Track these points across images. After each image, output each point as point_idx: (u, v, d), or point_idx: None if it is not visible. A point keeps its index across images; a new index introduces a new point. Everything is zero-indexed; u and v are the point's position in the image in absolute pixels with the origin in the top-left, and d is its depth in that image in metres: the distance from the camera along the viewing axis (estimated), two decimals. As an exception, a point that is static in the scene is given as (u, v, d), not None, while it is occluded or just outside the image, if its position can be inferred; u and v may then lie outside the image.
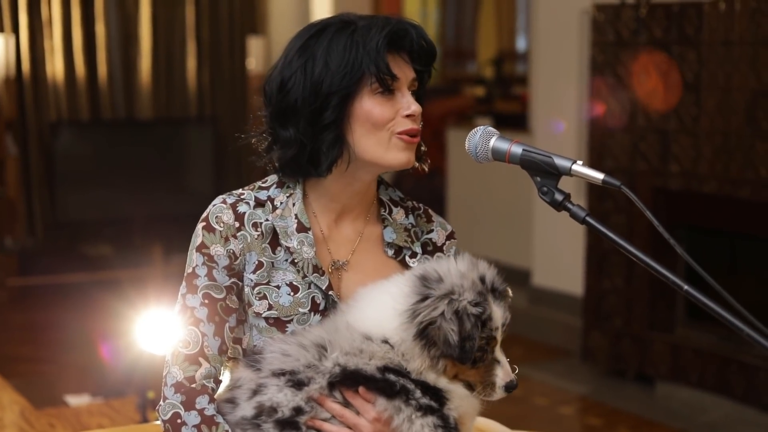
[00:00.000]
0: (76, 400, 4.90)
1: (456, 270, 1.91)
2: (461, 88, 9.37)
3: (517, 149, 1.88)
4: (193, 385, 1.96)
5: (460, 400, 1.89)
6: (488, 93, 8.86)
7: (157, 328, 4.20)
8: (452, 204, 8.19)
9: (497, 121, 7.86)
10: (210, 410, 1.95)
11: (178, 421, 1.94)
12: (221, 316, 2.01)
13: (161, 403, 1.98)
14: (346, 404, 1.90)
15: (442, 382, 1.88)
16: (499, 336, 1.91)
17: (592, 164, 5.90)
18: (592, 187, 5.80)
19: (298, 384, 1.88)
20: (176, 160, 8.48)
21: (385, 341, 1.89)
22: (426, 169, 2.18)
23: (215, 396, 1.99)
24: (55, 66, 8.28)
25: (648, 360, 5.73)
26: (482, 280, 1.90)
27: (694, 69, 5.38)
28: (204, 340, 1.98)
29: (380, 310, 1.92)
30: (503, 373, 1.92)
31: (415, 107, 2.01)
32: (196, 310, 2.00)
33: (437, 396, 1.86)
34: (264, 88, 2.06)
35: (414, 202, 2.22)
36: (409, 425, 1.85)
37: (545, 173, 1.84)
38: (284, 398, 1.88)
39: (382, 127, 2.00)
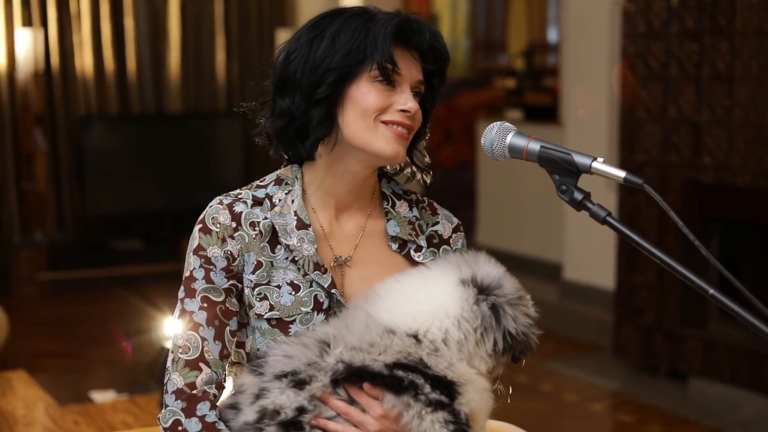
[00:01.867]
0: (101, 397, 4.88)
1: (501, 273, 1.93)
2: (492, 80, 9.30)
3: (534, 146, 1.81)
4: (194, 392, 1.91)
5: (476, 394, 1.85)
6: (519, 85, 8.78)
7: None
8: (483, 197, 8.12)
9: (527, 113, 7.78)
10: (211, 417, 1.90)
11: (179, 428, 1.90)
12: (221, 320, 1.96)
13: (162, 410, 1.93)
14: (351, 402, 1.85)
15: (468, 376, 1.85)
16: None
17: (623, 157, 5.83)
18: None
19: (299, 383, 1.83)
20: (205, 153, 8.46)
21: (414, 336, 1.84)
22: (428, 182, 2.14)
23: (218, 402, 1.95)
24: (84, 60, 8.28)
25: (680, 356, 5.65)
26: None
27: (727, 60, 5.28)
28: (204, 344, 1.93)
29: (426, 304, 1.88)
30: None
31: (411, 104, 1.96)
32: (195, 315, 1.95)
33: (448, 390, 1.82)
34: (273, 61, 2.05)
35: (418, 195, 2.17)
36: (419, 421, 1.80)
37: (564, 171, 1.77)
38: (287, 400, 1.83)
39: (373, 115, 1.96)
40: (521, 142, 1.83)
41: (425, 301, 1.87)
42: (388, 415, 1.82)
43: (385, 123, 1.96)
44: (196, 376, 1.92)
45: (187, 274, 1.99)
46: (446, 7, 9.93)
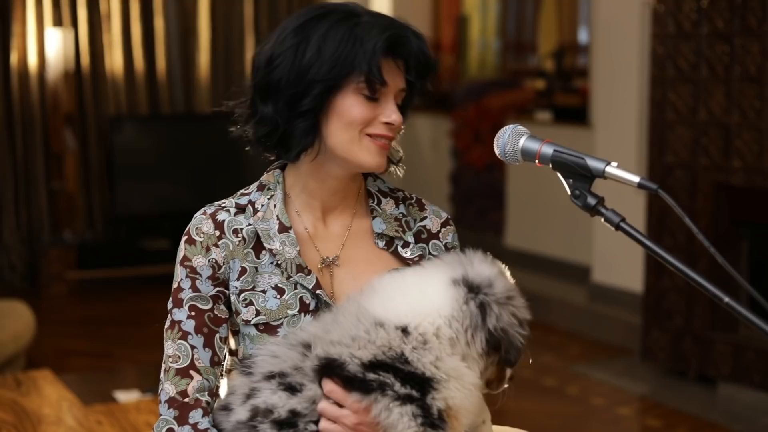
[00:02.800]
0: (125, 396, 4.89)
1: (494, 272, 1.89)
2: (521, 82, 9.25)
3: (547, 150, 1.78)
4: (186, 399, 1.92)
5: (457, 390, 1.82)
6: (548, 86, 8.73)
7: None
8: (512, 199, 8.08)
9: (557, 115, 7.74)
10: (204, 424, 1.90)
11: None
12: (210, 327, 1.96)
13: (157, 420, 1.94)
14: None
15: (458, 371, 1.83)
16: None
17: (652, 159, 5.78)
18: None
19: (290, 388, 1.83)
20: (235, 154, 8.44)
21: (403, 329, 1.83)
22: (401, 174, 2.12)
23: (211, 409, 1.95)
24: (114, 60, 8.31)
25: (709, 360, 5.59)
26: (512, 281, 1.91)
27: (758, 61, 5.23)
28: (194, 352, 1.94)
29: (419, 302, 1.86)
30: (509, 371, 1.93)
31: (395, 117, 1.96)
32: (183, 323, 1.96)
33: (421, 386, 1.80)
34: (253, 59, 2.02)
35: (406, 193, 2.16)
36: (387, 413, 1.79)
37: (578, 175, 1.74)
38: (279, 400, 1.83)
39: (357, 127, 1.95)
40: (534, 145, 1.80)
41: (418, 299, 1.86)
42: (358, 408, 1.80)
43: (370, 135, 1.96)
44: (188, 384, 1.92)
45: (175, 285, 2.00)
46: (476, 8, 9.89)
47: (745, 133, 5.31)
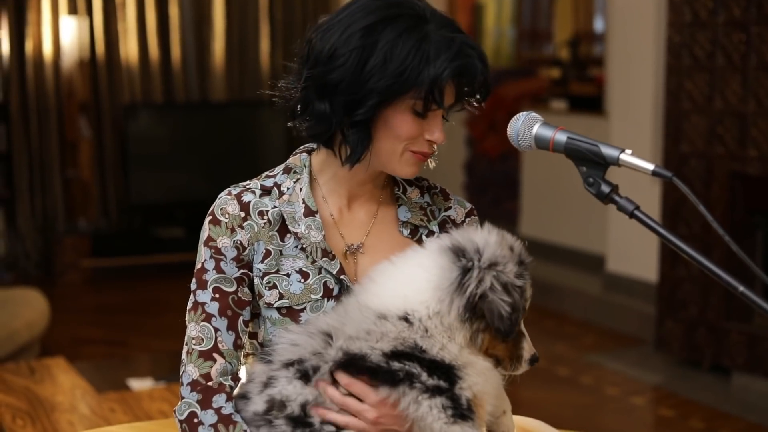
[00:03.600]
0: (138, 384, 4.89)
1: (492, 240, 1.84)
2: (537, 70, 9.22)
3: (561, 137, 1.76)
4: (210, 383, 1.90)
5: (478, 377, 1.80)
6: (564, 75, 8.70)
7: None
8: (526, 188, 8.06)
9: (572, 103, 7.71)
10: (227, 409, 1.88)
11: (195, 420, 1.88)
12: (234, 310, 1.94)
13: (179, 403, 1.92)
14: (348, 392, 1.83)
15: (464, 357, 1.80)
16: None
17: (668, 148, 5.75)
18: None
19: (305, 375, 1.81)
20: (249, 142, 8.47)
21: (404, 318, 1.81)
22: (431, 167, 2.09)
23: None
24: (129, 48, 8.31)
25: (724, 350, 5.57)
26: (511, 249, 1.84)
27: (775, 50, 5.20)
28: (217, 335, 1.92)
29: (407, 283, 1.83)
30: (528, 346, 1.86)
31: (439, 135, 1.94)
32: (207, 305, 1.93)
33: (447, 375, 1.78)
34: (312, 40, 1.96)
35: (430, 182, 2.15)
36: (416, 407, 1.77)
37: (592, 163, 1.73)
38: (293, 391, 1.81)
39: (402, 142, 1.93)
40: (548, 133, 1.79)
41: (409, 279, 1.83)
42: (384, 401, 1.79)
43: (412, 151, 1.94)
44: (211, 367, 1.90)
45: (198, 266, 1.97)
46: (492, -3, 9.87)
47: (761, 122, 5.28)
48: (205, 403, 1.88)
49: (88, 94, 8.14)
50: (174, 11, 8.45)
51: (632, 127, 6.60)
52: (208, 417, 1.87)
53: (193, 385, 1.90)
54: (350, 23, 1.91)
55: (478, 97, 1.97)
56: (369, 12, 1.91)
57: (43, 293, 6.09)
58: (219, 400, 1.89)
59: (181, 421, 1.90)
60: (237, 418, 1.87)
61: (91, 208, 8.23)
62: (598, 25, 8.94)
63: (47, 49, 8.02)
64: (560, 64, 8.94)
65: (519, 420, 2.14)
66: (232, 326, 1.93)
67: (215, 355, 1.91)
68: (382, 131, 1.93)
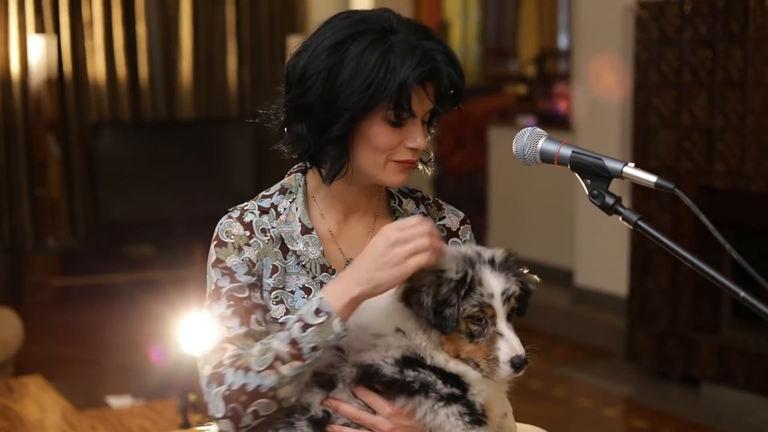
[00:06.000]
0: (117, 402, 4.89)
1: (455, 251, 1.87)
2: (503, 87, 9.32)
3: (566, 151, 1.83)
4: (222, 368, 1.86)
5: (481, 384, 1.84)
6: (530, 91, 8.80)
7: (198, 329, 4.17)
8: (494, 204, 8.13)
9: (539, 120, 7.80)
10: (233, 351, 1.87)
11: (236, 402, 1.83)
12: (246, 309, 1.95)
13: (209, 406, 1.87)
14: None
15: (453, 366, 1.83)
16: (498, 306, 1.85)
17: (636, 163, 5.80)
18: (636, 185, 5.73)
19: (327, 384, 1.85)
20: (217, 160, 8.48)
21: (398, 330, 1.85)
22: (428, 174, 2.16)
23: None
24: (96, 67, 8.31)
25: (693, 361, 5.66)
26: (478, 254, 1.86)
27: (740, 66, 5.30)
28: (228, 331, 1.91)
29: (383, 301, 1.87)
30: (507, 347, 1.84)
31: (420, 141, 1.97)
32: (222, 313, 1.94)
33: (458, 383, 1.82)
34: (287, 68, 2.01)
35: (423, 193, 2.20)
36: (433, 416, 1.80)
37: (595, 176, 1.79)
38: (314, 398, 1.85)
39: (383, 154, 1.97)
40: (553, 147, 1.85)
41: (385, 298, 1.88)
42: (399, 412, 1.83)
43: (393, 160, 1.98)
44: (222, 355, 1.88)
45: (212, 287, 1.98)
46: (457, 14, 9.96)
47: (728, 136, 5.38)
48: (219, 379, 1.85)
49: (55, 113, 8.11)
50: (141, 29, 8.45)
51: (600, 143, 6.67)
52: (237, 378, 1.83)
53: (210, 379, 1.86)
54: (318, 44, 1.96)
55: (450, 101, 1.98)
56: (336, 31, 1.95)
57: (14, 312, 6.06)
58: (226, 361, 1.87)
59: (222, 417, 1.84)
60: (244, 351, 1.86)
61: (59, 227, 8.20)
62: (563, 41, 9.05)
63: (14, 67, 8.00)
64: (526, 81, 9.03)
65: (519, 427, 2.19)
66: (244, 322, 1.93)
67: (225, 344, 1.89)
68: (361, 145, 1.97)
